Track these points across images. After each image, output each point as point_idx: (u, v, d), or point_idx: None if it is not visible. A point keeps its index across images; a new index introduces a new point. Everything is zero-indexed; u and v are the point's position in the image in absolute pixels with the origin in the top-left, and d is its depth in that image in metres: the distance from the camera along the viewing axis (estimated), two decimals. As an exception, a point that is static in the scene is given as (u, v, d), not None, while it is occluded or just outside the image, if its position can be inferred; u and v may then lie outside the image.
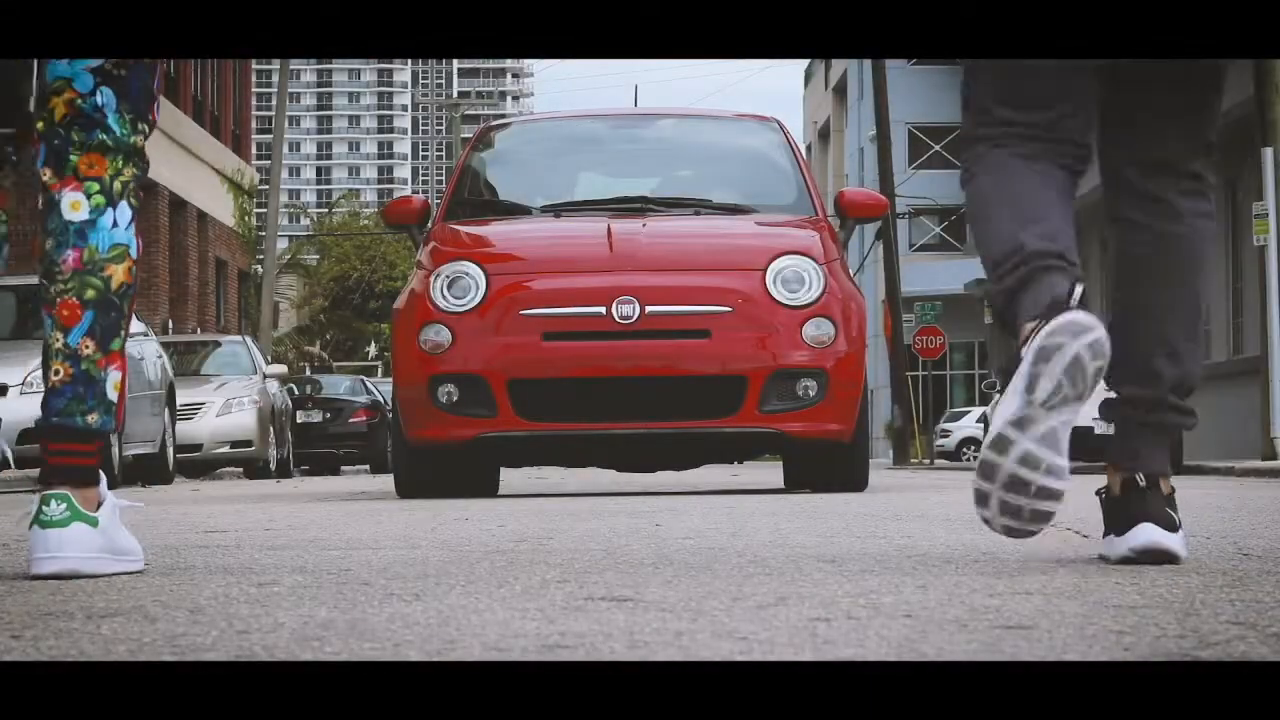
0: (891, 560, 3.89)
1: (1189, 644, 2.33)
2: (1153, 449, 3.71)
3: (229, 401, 23.59)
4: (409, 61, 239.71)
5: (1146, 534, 3.63)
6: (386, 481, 15.59)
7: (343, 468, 32.57)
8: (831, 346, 9.91)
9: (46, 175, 3.68)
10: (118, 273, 3.64)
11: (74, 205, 3.63)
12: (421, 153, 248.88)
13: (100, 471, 3.62)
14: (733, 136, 12.11)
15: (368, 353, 72.28)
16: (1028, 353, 3.42)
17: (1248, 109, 24.97)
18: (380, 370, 62.81)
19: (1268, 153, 22.94)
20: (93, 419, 3.62)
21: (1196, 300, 3.76)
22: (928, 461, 40.63)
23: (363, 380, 35.44)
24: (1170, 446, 3.78)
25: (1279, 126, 22.98)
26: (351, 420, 32.02)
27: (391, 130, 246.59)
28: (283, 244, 71.59)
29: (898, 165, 45.21)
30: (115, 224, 3.65)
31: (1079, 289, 3.48)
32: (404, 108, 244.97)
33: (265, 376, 24.87)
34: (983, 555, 4.02)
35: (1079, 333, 3.39)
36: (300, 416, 30.53)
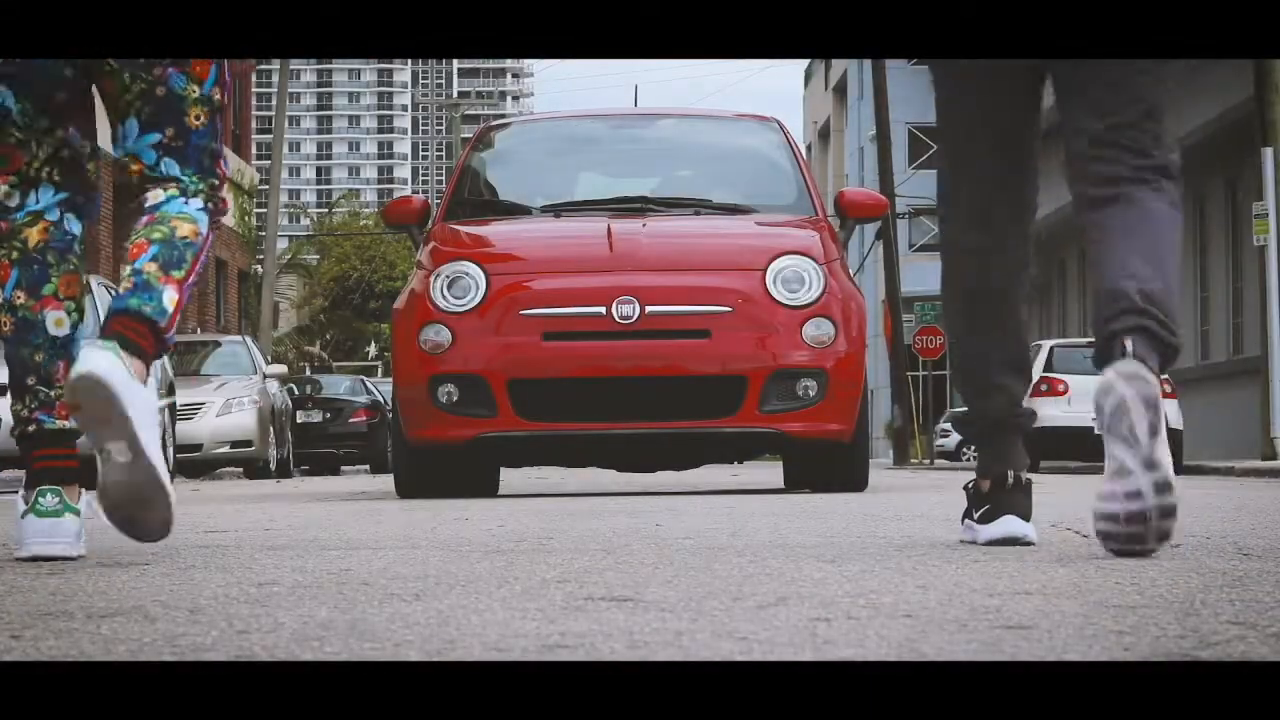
0: (891, 560, 3.89)
1: (1189, 644, 2.33)
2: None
3: (229, 401, 23.58)
4: (409, 61, 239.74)
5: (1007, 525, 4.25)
6: (386, 481, 15.59)
7: (343, 468, 32.56)
8: (831, 346, 9.91)
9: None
10: (182, 226, 4.14)
11: (155, 197, 4.25)
12: (421, 153, 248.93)
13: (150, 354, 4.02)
14: (733, 136, 12.11)
15: (368, 353, 72.31)
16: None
17: (1248, 109, 24.98)
18: (380, 370, 62.81)
19: (1268, 153, 22.94)
20: (148, 309, 4.01)
21: (1157, 242, 4.10)
22: (928, 461, 40.63)
23: (363, 380, 35.45)
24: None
25: (1279, 126, 22.97)
26: (351, 420, 32.02)
27: (391, 130, 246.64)
28: (283, 244, 71.56)
29: (898, 165, 45.22)
30: (186, 204, 4.21)
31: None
32: (404, 108, 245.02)
33: (265, 376, 24.87)
34: (983, 555, 4.02)
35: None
36: (300, 416, 30.54)
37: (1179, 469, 25.86)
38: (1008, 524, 4.23)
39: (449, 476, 10.31)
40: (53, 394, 4.23)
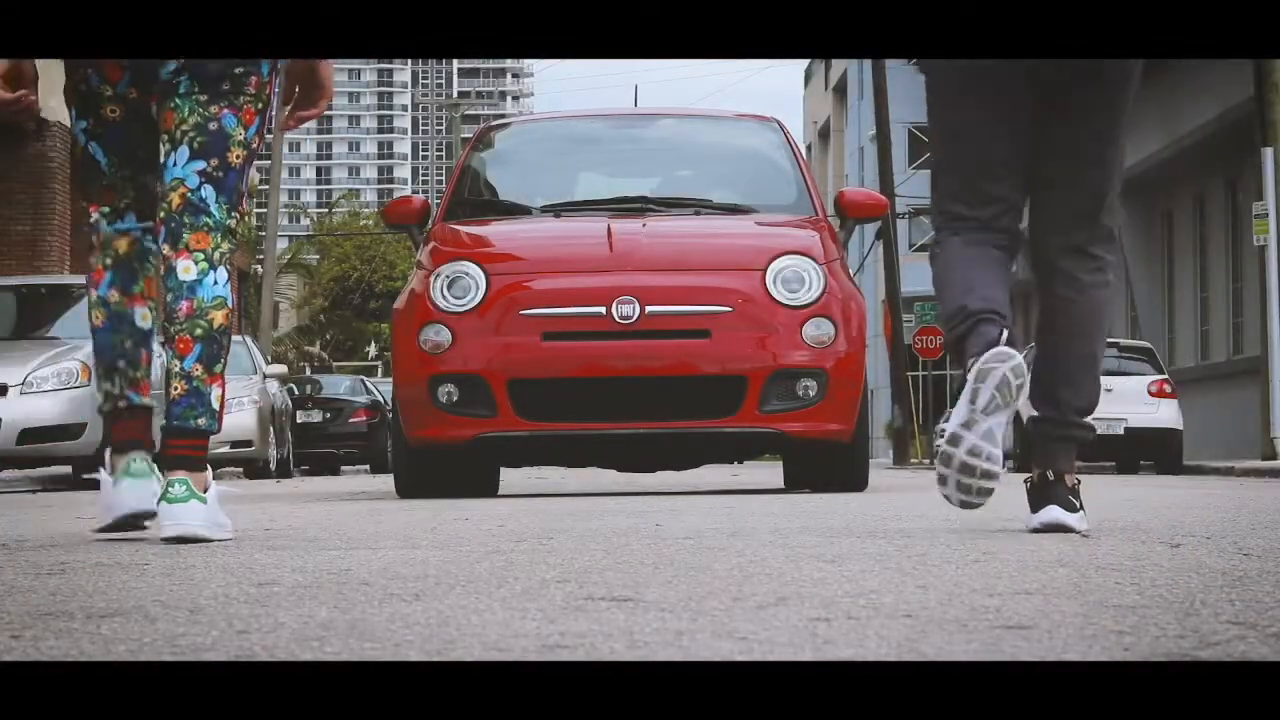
0: (891, 560, 3.89)
1: (1189, 644, 2.33)
2: (1058, 454, 5.08)
3: (229, 401, 23.57)
4: (409, 61, 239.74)
5: (1051, 513, 4.99)
6: (386, 481, 15.59)
7: (343, 468, 32.56)
8: (831, 346, 9.91)
9: (165, 249, 4.95)
10: (217, 317, 4.94)
11: (186, 270, 4.90)
12: (421, 153, 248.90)
13: (207, 461, 4.96)
14: (733, 136, 12.11)
15: (368, 353, 72.30)
16: (970, 375, 4.80)
17: (1248, 109, 24.97)
18: (380, 370, 62.80)
19: (1268, 153, 22.94)
20: (202, 422, 4.99)
21: (1093, 348, 5.17)
22: (928, 461, 40.61)
23: (363, 380, 35.44)
24: (1073, 451, 5.12)
25: (1279, 126, 22.97)
26: (351, 420, 32.01)
27: (391, 130, 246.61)
28: (283, 244, 71.54)
29: (898, 165, 45.18)
30: (215, 283, 4.93)
31: (1005, 333, 4.87)
32: (404, 108, 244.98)
33: (265, 376, 24.86)
34: (983, 555, 4.02)
35: (1004, 359, 4.78)
36: (300, 416, 30.53)
37: (1179, 469, 25.76)
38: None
39: (449, 476, 10.31)
40: (138, 375, 5.23)
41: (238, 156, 4.97)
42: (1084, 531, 4.92)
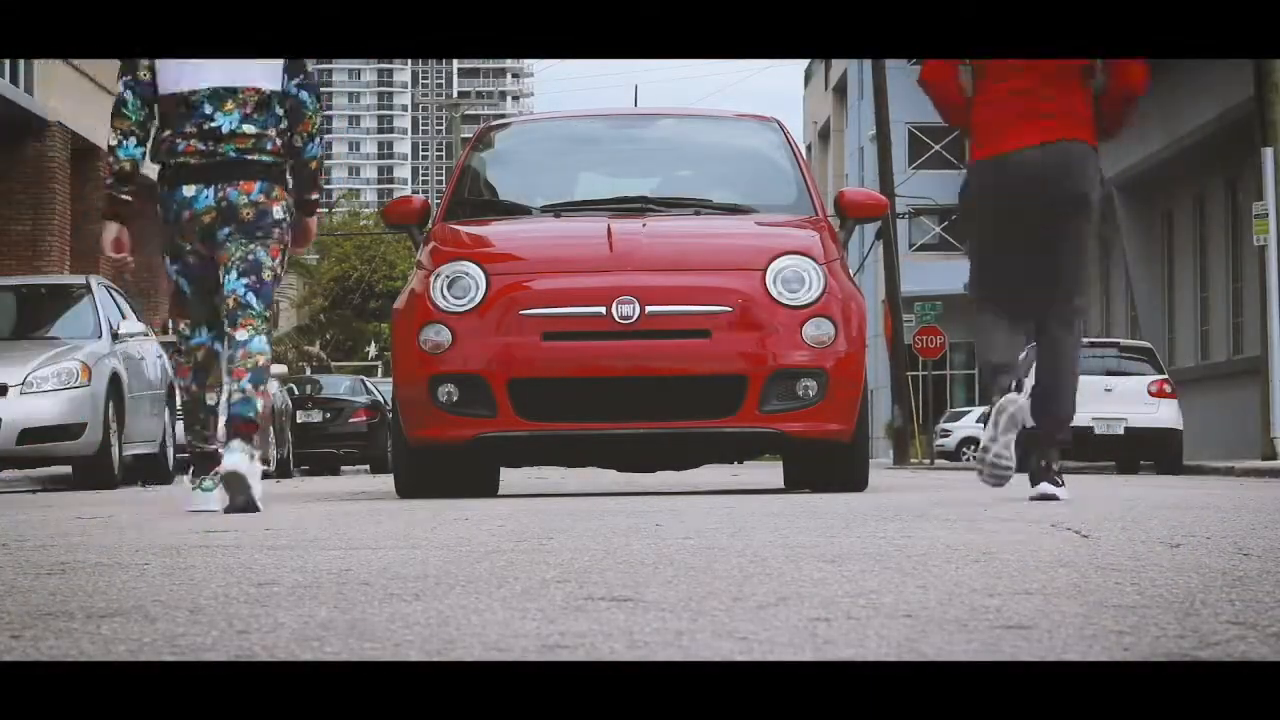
0: (891, 560, 3.89)
1: (1189, 644, 2.33)
2: (1049, 449, 8.14)
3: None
4: (409, 61, 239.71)
5: (1043, 488, 7.96)
6: (386, 481, 15.59)
7: (343, 468, 32.56)
8: (831, 346, 9.91)
9: (227, 326, 7.88)
10: (260, 359, 7.74)
11: (241, 334, 7.77)
12: (421, 153, 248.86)
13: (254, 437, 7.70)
14: (733, 136, 12.11)
15: (368, 353, 72.28)
16: (994, 410, 8.00)
17: (1248, 109, 24.98)
18: (380, 370, 62.79)
19: (1268, 153, 22.94)
20: (251, 414, 7.65)
21: (1069, 378, 8.24)
22: (928, 461, 40.62)
23: (363, 380, 35.42)
24: (1056, 446, 8.20)
25: (1279, 126, 22.97)
26: (351, 420, 32.00)
27: (391, 130, 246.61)
28: (283, 244, 71.18)
29: (898, 165, 45.20)
30: (258, 342, 7.77)
31: (1014, 381, 7.99)
32: (404, 108, 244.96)
33: (265, 376, 24.83)
34: (983, 555, 4.02)
35: (1015, 401, 7.94)
36: (300, 416, 30.52)
37: (1179, 469, 25.92)
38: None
39: (449, 476, 10.31)
40: (208, 433, 8.08)
41: (269, 275, 7.89)
42: (1067, 499, 7.87)
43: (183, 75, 7.62)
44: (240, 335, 7.68)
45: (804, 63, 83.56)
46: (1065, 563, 3.75)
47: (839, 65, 70.57)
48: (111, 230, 7.97)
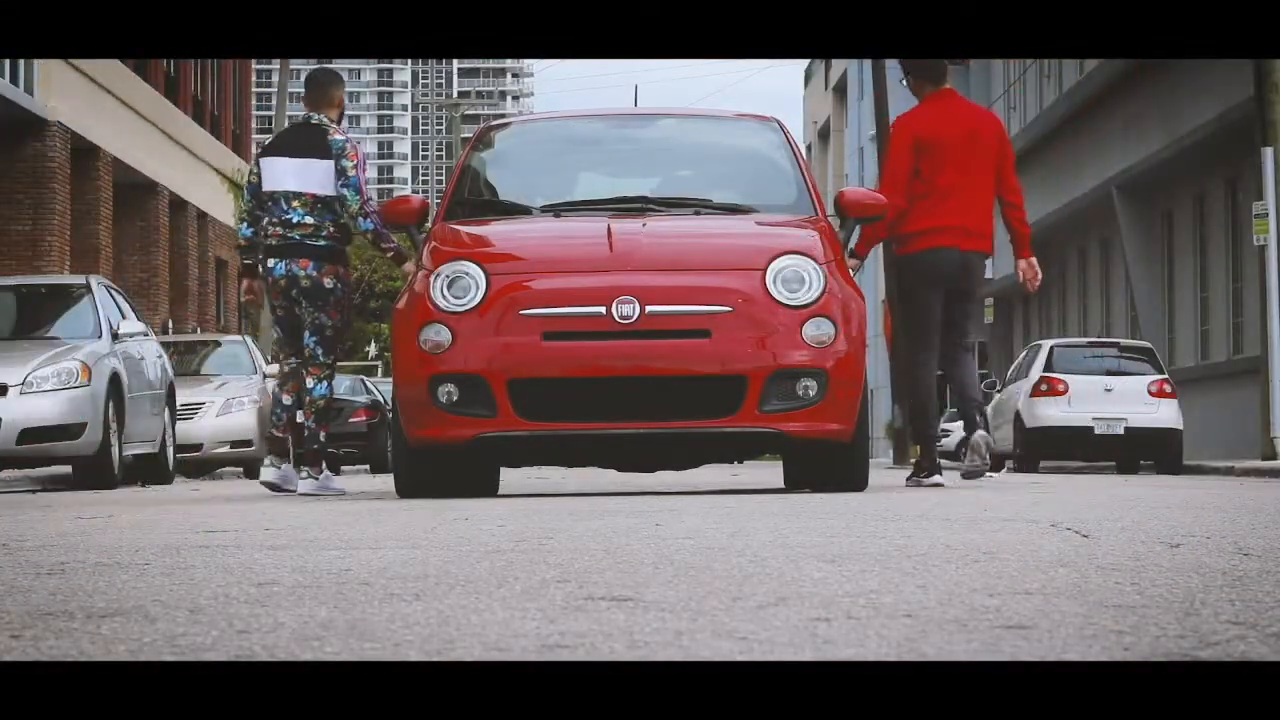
0: (891, 560, 3.89)
1: (1189, 644, 2.33)
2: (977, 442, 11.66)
3: (229, 401, 23.60)
4: (409, 61, 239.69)
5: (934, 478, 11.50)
6: (386, 481, 15.59)
7: (343, 468, 32.57)
8: (831, 346, 9.90)
9: (303, 372, 11.38)
10: (321, 403, 11.25)
11: (310, 382, 11.29)
12: (421, 153, 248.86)
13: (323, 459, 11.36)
14: (733, 136, 12.11)
15: (368, 352, 72.31)
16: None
17: (1248, 109, 24.98)
18: (380, 370, 62.80)
19: (1268, 153, 22.94)
20: (315, 446, 11.18)
21: (975, 381, 12.04)
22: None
23: (363, 380, 35.42)
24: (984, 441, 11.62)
25: (1279, 126, 22.98)
26: (351, 420, 32.01)
27: (391, 130, 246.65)
28: (283, 244, 71.25)
29: (898, 165, 45.08)
30: (320, 389, 11.27)
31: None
32: (404, 108, 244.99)
33: (265, 376, 24.87)
34: (983, 555, 4.02)
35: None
36: (301, 416, 30.49)
37: (1179, 469, 26.22)
38: (933, 479, 11.11)
39: (449, 476, 10.31)
40: (279, 422, 11.30)
41: (330, 332, 11.34)
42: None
43: (272, 178, 11.17)
44: (309, 382, 11.25)
45: (804, 63, 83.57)
46: (1065, 563, 3.75)
47: (839, 65, 70.56)
48: (244, 284, 11.71)
